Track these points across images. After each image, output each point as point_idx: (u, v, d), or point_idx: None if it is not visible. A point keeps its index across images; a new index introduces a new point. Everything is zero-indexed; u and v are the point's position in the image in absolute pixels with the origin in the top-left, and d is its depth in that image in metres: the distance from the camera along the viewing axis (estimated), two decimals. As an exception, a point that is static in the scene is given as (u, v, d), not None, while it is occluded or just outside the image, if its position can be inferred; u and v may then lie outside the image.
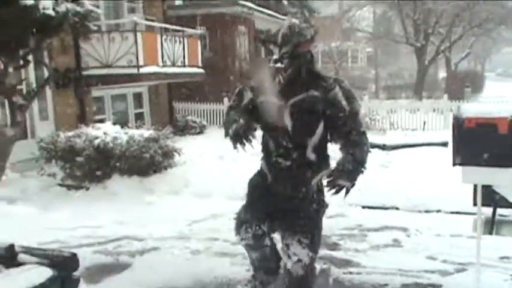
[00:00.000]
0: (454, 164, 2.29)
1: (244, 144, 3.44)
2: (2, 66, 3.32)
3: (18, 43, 3.00)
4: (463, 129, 2.20)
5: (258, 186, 3.68)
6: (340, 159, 3.37)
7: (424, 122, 15.09)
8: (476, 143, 2.21)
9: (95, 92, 12.10)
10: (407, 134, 14.26)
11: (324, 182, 3.49)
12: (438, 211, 7.25)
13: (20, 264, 3.78)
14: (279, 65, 3.35)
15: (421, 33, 28.60)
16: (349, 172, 3.28)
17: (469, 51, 34.40)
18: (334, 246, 5.90)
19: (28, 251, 4.02)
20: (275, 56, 3.35)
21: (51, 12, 3.43)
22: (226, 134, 3.57)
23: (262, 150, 3.67)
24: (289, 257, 3.57)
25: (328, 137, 3.53)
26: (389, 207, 7.64)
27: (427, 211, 7.35)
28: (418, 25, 28.45)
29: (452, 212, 7.24)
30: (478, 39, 33.14)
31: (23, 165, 9.14)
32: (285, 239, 3.59)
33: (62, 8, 3.53)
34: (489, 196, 2.40)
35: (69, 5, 3.56)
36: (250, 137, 3.45)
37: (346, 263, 5.29)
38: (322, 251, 5.65)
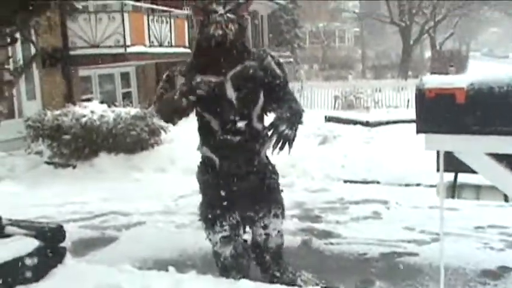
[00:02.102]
0: (417, 132, 2.44)
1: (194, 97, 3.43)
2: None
3: (5, 21, 3.09)
4: (424, 99, 2.34)
5: (208, 179, 3.70)
6: (277, 113, 3.44)
7: (408, 100, 15.30)
8: (437, 112, 2.35)
9: (82, 72, 12.12)
10: (390, 111, 14.45)
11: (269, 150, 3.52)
12: (418, 185, 7.40)
13: (7, 236, 3.90)
14: (229, 15, 3.39)
15: (406, 13, 28.71)
16: (288, 119, 3.35)
17: (452, 31, 34.67)
18: (316, 219, 6.08)
19: (15, 223, 4.14)
20: (220, 12, 3.40)
21: (36, -10, 3.52)
22: (167, 112, 3.65)
23: (202, 137, 3.69)
24: (268, 235, 3.79)
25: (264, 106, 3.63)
26: (370, 181, 7.80)
27: (407, 185, 7.51)
28: (402, 5, 28.54)
29: (431, 186, 7.39)
30: (462, 19, 33.31)
31: (10, 144, 9.21)
32: (260, 221, 3.75)
33: (46, -14, 3.60)
34: (451, 162, 2.55)
35: (55, -17, 3.63)
36: (199, 86, 3.42)
37: (327, 234, 5.47)
38: (304, 223, 5.85)
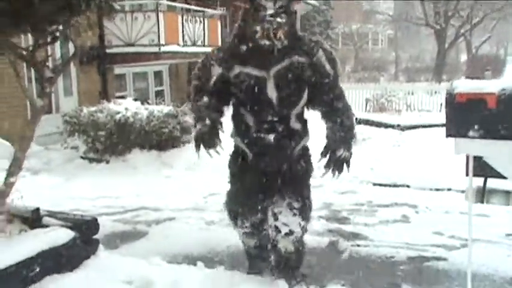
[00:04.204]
0: (447, 136, 2.46)
1: (208, 150, 3.19)
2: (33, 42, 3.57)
3: (48, 20, 3.22)
4: (454, 104, 2.36)
5: (239, 170, 3.41)
6: (330, 130, 3.15)
7: (441, 104, 15.12)
8: (467, 116, 2.37)
9: (117, 70, 12.37)
10: (423, 115, 14.32)
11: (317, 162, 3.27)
12: (449, 189, 7.38)
13: (44, 226, 4.04)
14: (278, 19, 2.93)
15: (441, 15, 28.31)
16: (344, 139, 3.07)
17: (490, 34, 34.00)
18: (344, 220, 6.08)
19: (52, 214, 4.29)
20: (270, 11, 2.94)
21: (77, -9, 3.65)
22: (195, 126, 3.27)
23: (236, 127, 3.34)
24: (278, 230, 3.28)
25: (308, 103, 3.28)
26: (400, 185, 7.80)
27: (437, 189, 7.48)
28: (438, 7, 28.15)
29: (462, 191, 7.37)
30: (500, 23, 32.65)
31: (47, 138, 9.47)
32: (272, 208, 3.31)
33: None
34: (481, 167, 2.57)
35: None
36: (216, 142, 3.14)
37: (355, 236, 5.46)
38: (332, 225, 5.87)
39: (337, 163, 3.07)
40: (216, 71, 3.20)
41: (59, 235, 3.92)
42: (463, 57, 39.02)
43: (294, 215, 3.25)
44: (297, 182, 3.32)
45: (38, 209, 4.20)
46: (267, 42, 2.96)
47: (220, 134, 3.19)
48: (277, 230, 3.27)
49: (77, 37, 3.77)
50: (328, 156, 3.14)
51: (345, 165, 3.14)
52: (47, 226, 4.05)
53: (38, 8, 3.10)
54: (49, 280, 3.65)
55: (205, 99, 3.22)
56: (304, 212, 3.33)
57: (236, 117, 3.32)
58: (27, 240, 3.75)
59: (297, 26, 3.19)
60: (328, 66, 3.12)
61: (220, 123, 3.22)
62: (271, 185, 3.31)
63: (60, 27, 3.61)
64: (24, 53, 3.68)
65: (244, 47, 3.10)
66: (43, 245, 3.70)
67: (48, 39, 3.73)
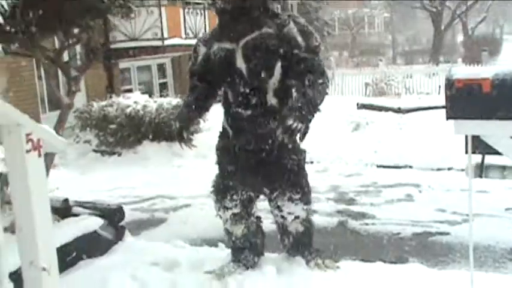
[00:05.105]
0: (447, 119, 2.73)
1: (184, 143, 3.42)
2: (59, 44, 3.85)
3: (75, 23, 3.47)
4: (453, 89, 2.64)
5: (224, 148, 3.41)
6: (291, 99, 3.12)
7: (439, 86, 15.32)
8: (465, 100, 2.64)
9: (122, 64, 12.61)
10: (422, 97, 14.51)
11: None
12: (450, 169, 7.59)
13: (74, 215, 4.34)
14: None
15: (436, -2, 28.44)
16: (299, 110, 2.96)
17: (485, 15, 34.03)
18: (351, 202, 6.37)
19: (80, 204, 4.58)
20: None
21: (104, -4, 3.91)
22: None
23: (222, 106, 3.41)
24: (284, 218, 3.43)
25: (283, 77, 3.20)
26: (403, 166, 8.02)
27: (439, 169, 7.69)
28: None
29: (462, 170, 7.58)
30: (495, 2, 32.71)
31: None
32: (274, 201, 3.39)
33: (111, -9, 3.98)
34: (479, 145, 2.85)
35: (116, -11, 4.01)
36: (188, 137, 3.41)
37: (362, 215, 5.76)
38: (340, 206, 6.17)
39: (286, 131, 2.93)
40: (201, 50, 3.36)
41: (90, 223, 4.23)
42: (460, 38, 39.12)
43: (296, 204, 3.38)
44: (293, 174, 3.34)
45: (67, 200, 4.49)
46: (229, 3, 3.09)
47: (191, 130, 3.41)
48: (283, 218, 3.44)
49: (99, 37, 4.04)
50: (277, 123, 3.09)
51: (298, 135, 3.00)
52: (77, 215, 4.34)
53: (66, 12, 3.36)
54: (83, 264, 3.92)
55: (192, 81, 3.46)
56: (305, 197, 3.40)
57: (223, 97, 3.40)
58: (62, 227, 4.04)
59: (270, 2, 3.25)
60: (300, 38, 3.11)
61: (197, 106, 3.40)
62: (253, 162, 3.29)
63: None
64: (51, 54, 3.95)
65: (221, 25, 3.26)
66: (77, 232, 4.00)
67: (71, 41, 4.00)
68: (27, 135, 1.98)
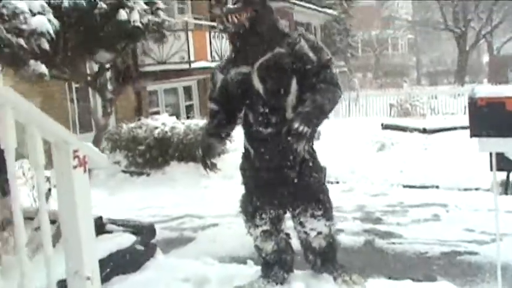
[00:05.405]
0: (471, 136, 2.81)
1: (208, 168, 3.53)
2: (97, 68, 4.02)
3: (112, 49, 3.64)
4: (476, 107, 2.73)
5: (247, 170, 3.52)
6: (301, 103, 3.20)
7: (465, 107, 15.22)
8: (488, 118, 2.72)
9: (150, 87, 12.92)
10: (447, 118, 14.44)
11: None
12: (477, 189, 7.53)
13: (108, 232, 4.45)
14: (236, 6, 3.14)
15: (460, 19, 28.34)
16: (306, 114, 3.06)
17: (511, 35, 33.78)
18: (378, 221, 6.33)
19: (113, 221, 4.70)
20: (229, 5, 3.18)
21: (139, 24, 4.06)
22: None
23: (243, 128, 3.52)
24: (307, 234, 3.51)
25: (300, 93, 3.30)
26: (429, 186, 7.98)
27: (466, 189, 7.63)
28: (456, 12, 28.20)
29: (489, 190, 7.54)
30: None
31: (90, 155, 9.96)
32: (297, 217, 3.49)
33: (144, 19, 4.15)
34: (503, 162, 2.91)
35: (150, 17, 4.17)
36: (212, 162, 3.51)
37: (389, 234, 5.72)
38: (367, 225, 6.18)
39: (292, 135, 3.03)
40: (219, 77, 3.48)
41: (123, 240, 4.33)
42: (485, 58, 38.82)
43: (319, 220, 3.46)
44: (315, 191, 3.44)
45: (101, 217, 4.62)
46: (229, 26, 3.20)
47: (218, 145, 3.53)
48: (306, 234, 3.52)
49: (133, 61, 4.22)
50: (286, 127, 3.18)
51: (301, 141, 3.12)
52: (110, 232, 4.47)
53: (105, 38, 3.54)
54: (117, 280, 4.01)
55: (212, 108, 3.55)
56: (327, 213, 3.49)
57: (243, 118, 3.51)
58: (97, 244, 4.15)
59: (277, 21, 3.36)
60: (311, 54, 3.22)
61: (217, 134, 3.53)
62: (275, 181, 3.38)
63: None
64: (89, 78, 4.13)
65: (235, 49, 3.39)
66: (112, 248, 4.11)
67: (107, 66, 4.19)
68: (74, 151, 2.12)
